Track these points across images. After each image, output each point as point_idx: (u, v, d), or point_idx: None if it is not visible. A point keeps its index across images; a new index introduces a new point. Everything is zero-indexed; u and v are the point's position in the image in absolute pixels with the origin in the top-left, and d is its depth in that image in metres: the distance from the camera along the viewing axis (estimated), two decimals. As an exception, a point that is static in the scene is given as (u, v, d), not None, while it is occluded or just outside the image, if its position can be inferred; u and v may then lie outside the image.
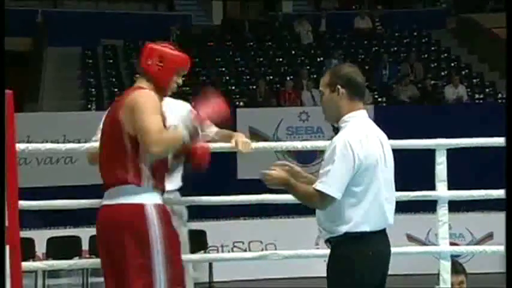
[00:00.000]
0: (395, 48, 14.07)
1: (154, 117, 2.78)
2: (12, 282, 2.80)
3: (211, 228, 8.61)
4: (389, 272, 2.79)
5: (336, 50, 13.33)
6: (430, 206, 3.89)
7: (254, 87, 12.52)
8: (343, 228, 2.65)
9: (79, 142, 5.62)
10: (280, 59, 13.70)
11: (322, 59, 13.41)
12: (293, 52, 13.91)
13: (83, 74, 13.15)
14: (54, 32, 12.99)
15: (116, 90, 12.75)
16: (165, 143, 2.76)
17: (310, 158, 9.39)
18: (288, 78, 12.58)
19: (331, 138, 2.77)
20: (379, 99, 12.33)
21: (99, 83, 12.93)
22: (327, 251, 2.67)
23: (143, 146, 2.77)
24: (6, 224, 2.77)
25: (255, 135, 9.88)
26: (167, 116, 3.35)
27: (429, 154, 3.63)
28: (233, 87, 12.83)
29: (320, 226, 2.81)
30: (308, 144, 3.74)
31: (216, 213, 8.95)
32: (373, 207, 2.66)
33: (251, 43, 14.19)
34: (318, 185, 2.65)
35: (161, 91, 2.97)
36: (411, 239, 9.16)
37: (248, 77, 13.16)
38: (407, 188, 3.49)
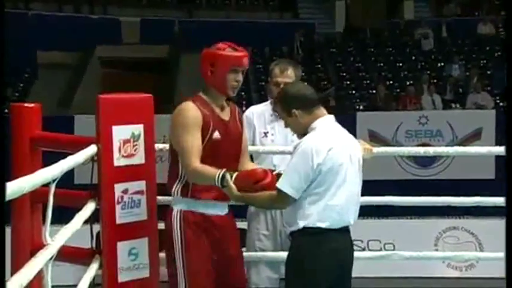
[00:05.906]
0: (519, 54, 13.88)
1: (187, 137, 2.86)
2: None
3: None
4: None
5: (457, 56, 13.42)
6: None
7: (374, 91, 12.83)
8: (302, 223, 2.73)
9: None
10: (400, 64, 13.92)
11: (442, 64, 13.52)
12: (413, 58, 14.08)
13: (214, 80, 13.91)
14: (189, 40, 13.71)
15: (242, 94, 13.47)
16: (194, 175, 2.88)
17: (428, 162, 9.62)
18: (408, 83, 12.76)
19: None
20: (501, 104, 12.30)
21: (227, 88, 13.61)
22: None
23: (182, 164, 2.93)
24: (146, 217, 3.03)
25: (374, 138, 10.20)
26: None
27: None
28: (353, 92, 13.22)
29: (284, 221, 3.03)
30: (431, 150, 3.83)
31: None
32: (333, 205, 2.73)
33: (372, 49, 14.51)
34: (279, 183, 2.74)
35: (222, 93, 2.99)
36: None
37: (368, 82, 13.46)
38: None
